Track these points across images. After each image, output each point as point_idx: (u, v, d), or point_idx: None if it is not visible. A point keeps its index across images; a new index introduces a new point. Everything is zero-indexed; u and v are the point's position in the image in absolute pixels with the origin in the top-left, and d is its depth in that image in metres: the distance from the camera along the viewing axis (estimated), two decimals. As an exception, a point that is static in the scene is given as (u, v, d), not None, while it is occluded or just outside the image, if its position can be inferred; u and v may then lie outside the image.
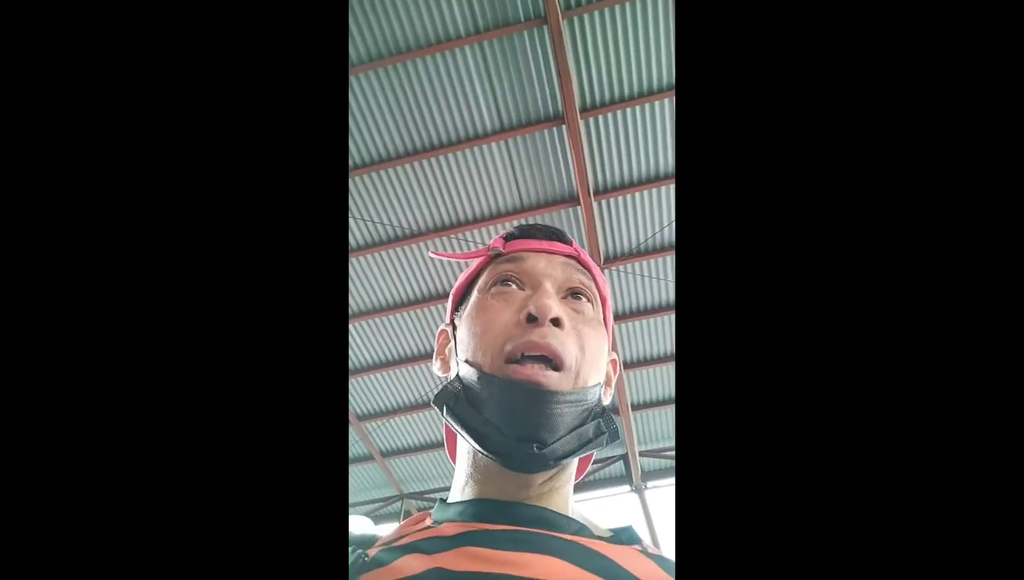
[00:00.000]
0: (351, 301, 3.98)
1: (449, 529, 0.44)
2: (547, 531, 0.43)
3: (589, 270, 0.53)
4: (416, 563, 0.41)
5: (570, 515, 0.47)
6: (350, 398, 4.49)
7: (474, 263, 0.55)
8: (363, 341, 4.22)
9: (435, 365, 0.55)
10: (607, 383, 0.53)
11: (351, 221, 3.53)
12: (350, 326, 4.18)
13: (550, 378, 0.45)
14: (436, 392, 0.49)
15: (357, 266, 3.80)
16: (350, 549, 0.44)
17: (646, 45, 2.92)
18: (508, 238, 0.55)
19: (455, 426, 0.47)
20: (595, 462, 3.68)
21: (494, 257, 0.53)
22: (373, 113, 3.17)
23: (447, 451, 0.57)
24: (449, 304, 0.57)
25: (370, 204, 3.50)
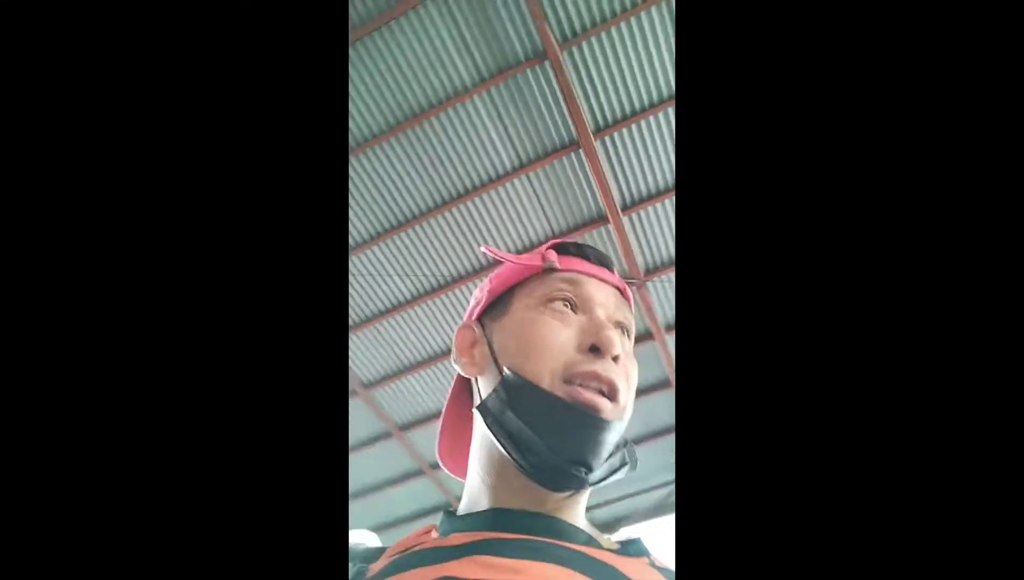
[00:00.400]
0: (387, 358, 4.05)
1: (457, 539, 0.44)
2: (557, 540, 0.43)
3: (629, 304, 0.54)
4: (422, 573, 0.41)
5: (581, 527, 0.47)
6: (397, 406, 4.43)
7: (513, 268, 0.54)
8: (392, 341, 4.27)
9: (459, 363, 0.53)
10: None
11: (384, 278, 3.63)
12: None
13: (606, 406, 0.46)
14: (483, 400, 0.48)
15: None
16: (351, 564, 0.45)
17: (648, 58, 2.96)
18: (561, 251, 0.54)
19: (498, 436, 0.47)
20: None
21: (547, 270, 0.52)
22: (400, 174, 3.28)
23: (440, 460, 0.57)
24: (478, 303, 0.55)
25: (402, 260, 3.60)
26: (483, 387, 0.51)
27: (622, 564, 0.42)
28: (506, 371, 0.48)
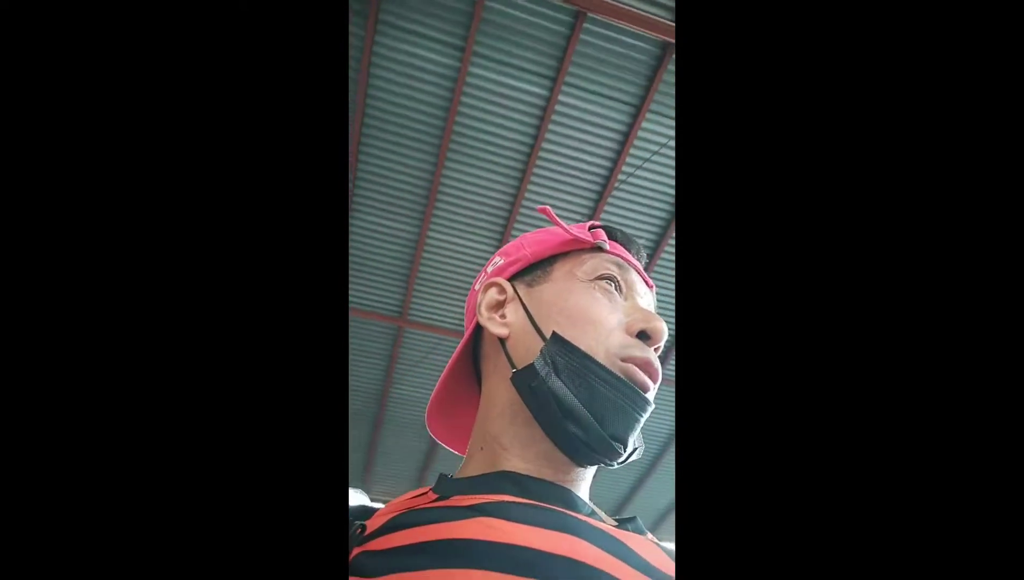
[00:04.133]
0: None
1: (464, 500, 0.43)
2: (567, 510, 0.43)
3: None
4: (427, 531, 0.40)
5: (587, 501, 0.47)
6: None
7: (560, 236, 0.53)
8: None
9: (488, 321, 0.51)
10: None
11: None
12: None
13: (651, 389, 0.47)
14: (530, 364, 0.46)
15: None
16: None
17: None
18: (609, 235, 0.53)
19: (539, 400, 0.45)
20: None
21: (596, 248, 0.52)
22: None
23: (431, 424, 0.55)
24: (512, 262, 0.54)
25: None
26: (516, 350, 0.49)
27: (627, 538, 0.42)
28: (560, 336, 0.46)
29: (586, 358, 0.45)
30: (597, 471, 0.50)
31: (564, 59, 3.02)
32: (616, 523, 0.46)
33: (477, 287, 0.55)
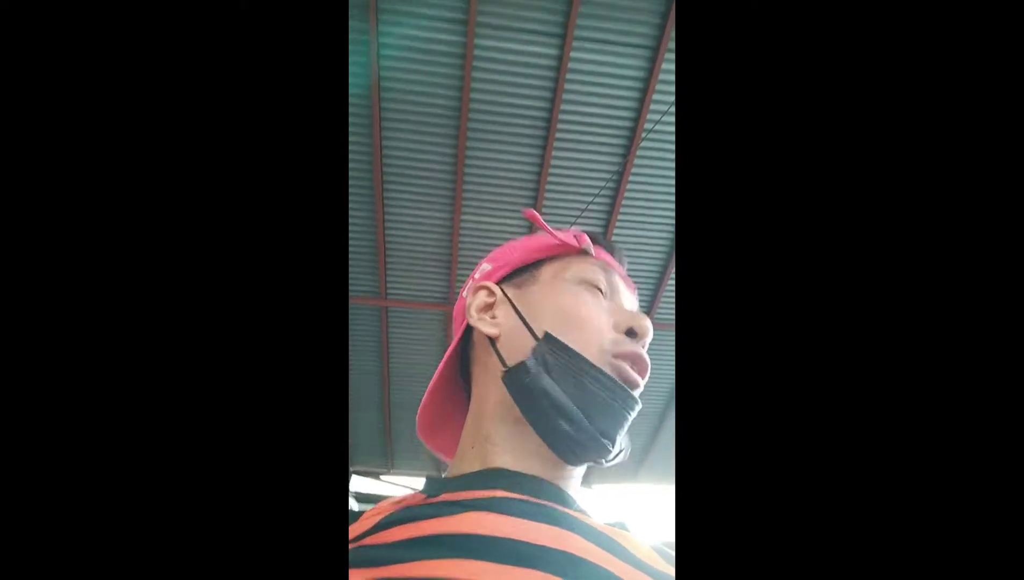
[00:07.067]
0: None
1: (454, 496, 0.43)
2: (559, 506, 0.43)
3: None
4: (418, 528, 0.40)
5: (576, 498, 0.47)
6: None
7: (547, 241, 0.54)
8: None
9: (480, 322, 0.51)
10: None
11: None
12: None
13: (639, 386, 0.48)
14: (522, 362, 0.46)
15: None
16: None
17: None
18: (594, 241, 0.55)
19: (531, 399, 0.46)
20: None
21: (582, 252, 0.54)
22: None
23: (422, 429, 0.55)
24: (500, 267, 0.54)
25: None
26: (507, 350, 0.49)
27: (614, 534, 0.43)
28: (552, 336, 0.47)
29: (578, 356, 0.46)
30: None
31: (571, 13, 2.93)
32: (603, 523, 0.46)
33: (465, 294, 0.55)
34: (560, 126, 3.39)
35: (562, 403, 0.45)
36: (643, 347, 0.49)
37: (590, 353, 0.47)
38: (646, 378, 0.49)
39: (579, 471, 0.49)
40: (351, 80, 3.05)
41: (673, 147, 3.51)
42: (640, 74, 3.20)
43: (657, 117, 3.30)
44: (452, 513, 0.41)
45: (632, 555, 0.41)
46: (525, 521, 0.40)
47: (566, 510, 0.43)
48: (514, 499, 0.42)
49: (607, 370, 0.46)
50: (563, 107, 3.31)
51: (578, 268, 0.52)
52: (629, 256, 0.67)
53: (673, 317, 3.91)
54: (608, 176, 3.52)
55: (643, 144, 3.44)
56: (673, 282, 4.00)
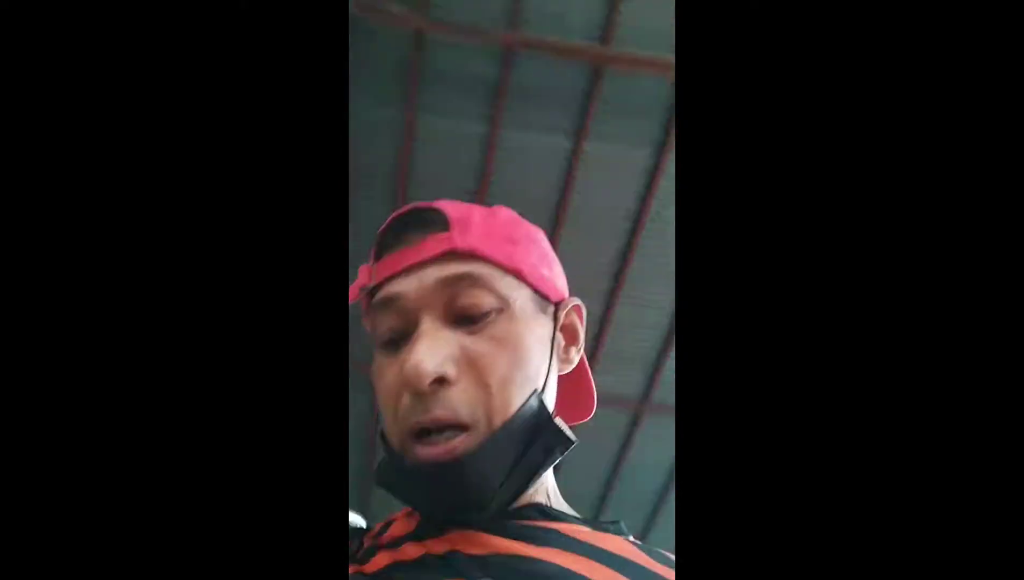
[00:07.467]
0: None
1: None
2: (546, 523, 0.42)
3: (483, 257, 0.42)
4: (412, 550, 0.40)
5: (556, 505, 0.45)
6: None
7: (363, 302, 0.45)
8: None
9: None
10: (563, 360, 0.47)
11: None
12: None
13: (458, 446, 0.39)
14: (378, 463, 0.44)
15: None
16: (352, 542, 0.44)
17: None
18: (378, 254, 0.44)
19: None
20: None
21: (371, 296, 0.44)
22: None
23: None
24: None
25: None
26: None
27: (600, 539, 0.41)
28: (383, 429, 0.44)
29: (390, 451, 0.43)
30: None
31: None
32: (594, 526, 0.43)
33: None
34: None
35: (406, 499, 0.44)
36: (443, 381, 0.40)
37: (396, 441, 0.42)
38: (460, 419, 0.40)
39: (539, 481, 0.44)
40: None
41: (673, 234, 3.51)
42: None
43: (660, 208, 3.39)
44: (436, 535, 0.41)
45: (619, 557, 0.39)
46: (508, 540, 0.40)
47: (547, 524, 0.42)
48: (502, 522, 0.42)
49: (407, 455, 0.41)
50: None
51: (375, 324, 0.44)
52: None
53: (672, 400, 3.71)
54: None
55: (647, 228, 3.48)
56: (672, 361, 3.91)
